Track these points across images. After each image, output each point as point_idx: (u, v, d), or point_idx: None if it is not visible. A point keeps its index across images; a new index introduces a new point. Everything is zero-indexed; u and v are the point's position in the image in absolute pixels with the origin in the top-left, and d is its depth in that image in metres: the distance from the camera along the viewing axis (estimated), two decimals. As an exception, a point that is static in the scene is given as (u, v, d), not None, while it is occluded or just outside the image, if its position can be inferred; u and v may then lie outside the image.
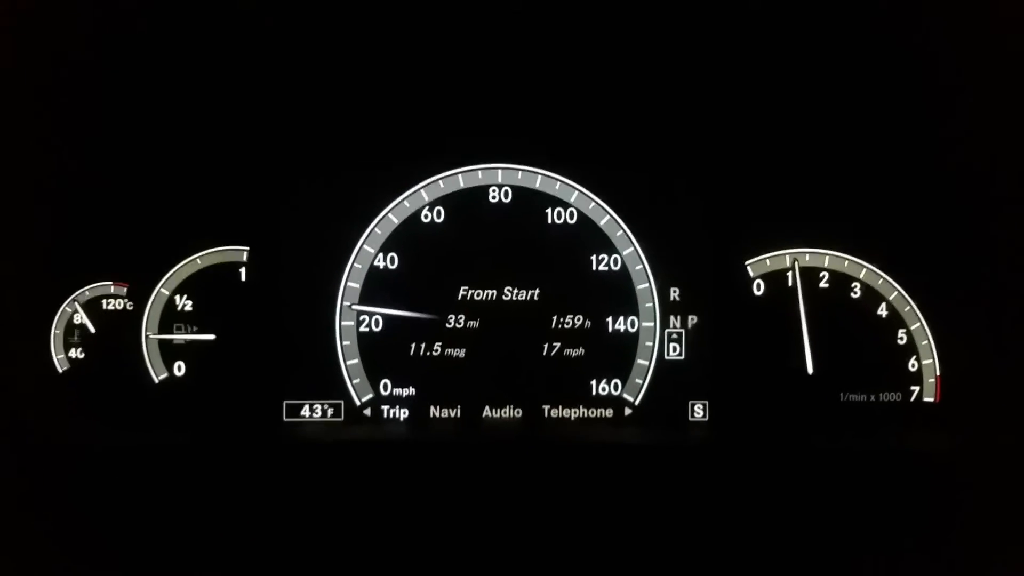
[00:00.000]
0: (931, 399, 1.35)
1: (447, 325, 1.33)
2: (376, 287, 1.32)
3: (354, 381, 1.33)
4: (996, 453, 1.23)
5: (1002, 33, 1.14)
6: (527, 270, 1.33)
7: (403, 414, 1.34)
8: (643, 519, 1.22)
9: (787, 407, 1.34)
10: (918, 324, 1.34)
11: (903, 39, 1.20)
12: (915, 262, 1.34)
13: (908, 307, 1.34)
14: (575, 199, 1.34)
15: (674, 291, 1.34)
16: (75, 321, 1.32)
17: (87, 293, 1.32)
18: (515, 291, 1.33)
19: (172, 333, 1.32)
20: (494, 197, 1.33)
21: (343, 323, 1.32)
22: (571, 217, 1.34)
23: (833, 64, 1.26)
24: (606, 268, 1.34)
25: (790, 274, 1.34)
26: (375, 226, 1.32)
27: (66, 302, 1.32)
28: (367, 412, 1.33)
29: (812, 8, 1.17)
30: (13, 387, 1.24)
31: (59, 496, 1.20)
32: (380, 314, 1.32)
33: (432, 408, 1.34)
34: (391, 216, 1.33)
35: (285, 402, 1.32)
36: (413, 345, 1.33)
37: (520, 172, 1.34)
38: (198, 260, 1.32)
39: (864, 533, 1.22)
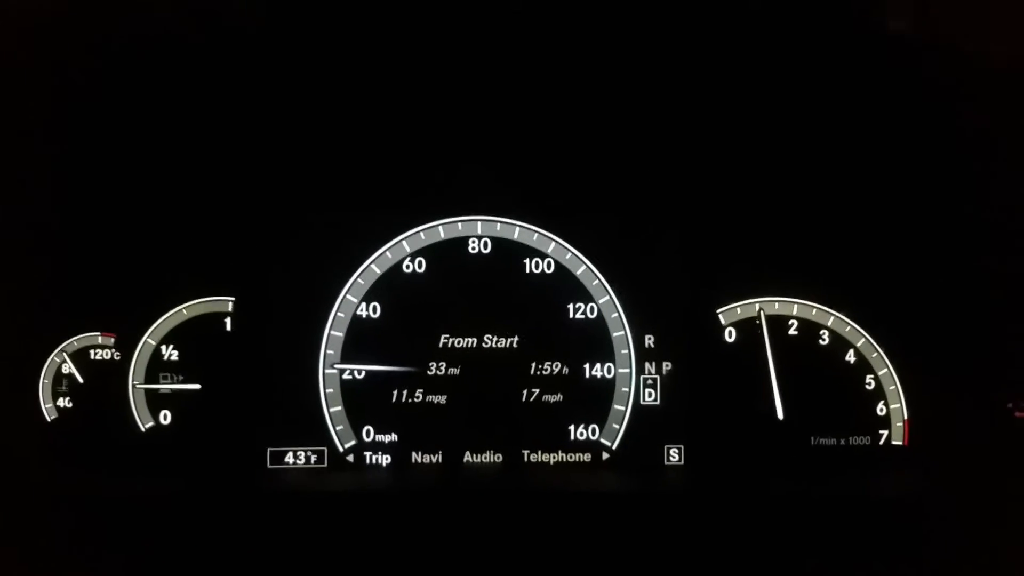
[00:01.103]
0: (899, 443, 1.39)
1: (428, 372, 1.36)
2: (359, 336, 1.35)
3: (337, 428, 1.35)
4: (964, 495, 1.27)
5: (972, 89, 1.19)
6: (506, 318, 1.37)
7: (385, 460, 1.36)
8: (620, 563, 1.24)
9: (759, 451, 1.37)
10: (885, 370, 1.38)
11: (873, 93, 1.25)
12: (881, 310, 1.38)
13: (875, 353, 1.38)
14: (552, 250, 1.38)
15: (649, 338, 1.38)
16: (63, 371, 1.34)
17: (75, 343, 1.34)
18: (495, 339, 1.37)
19: (158, 382, 1.35)
20: (474, 248, 1.37)
21: (326, 371, 1.35)
22: (548, 267, 1.38)
23: (803, 118, 1.30)
24: (583, 316, 1.37)
25: (759, 322, 1.38)
26: (358, 276, 1.36)
27: (55, 352, 1.34)
28: (350, 458, 1.36)
29: (785, 60, 1.22)
30: (2, 436, 1.26)
31: (45, 543, 1.22)
32: (362, 370, 1.35)
33: (414, 454, 1.37)
34: (373, 267, 1.36)
35: (269, 449, 1.35)
36: (395, 392, 1.36)
37: (499, 224, 1.38)
38: (184, 311, 1.35)
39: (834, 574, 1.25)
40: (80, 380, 1.34)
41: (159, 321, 1.35)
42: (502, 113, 1.31)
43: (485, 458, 1.37)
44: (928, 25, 1.11)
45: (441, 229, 1.37)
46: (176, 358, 1.35)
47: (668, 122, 1.32)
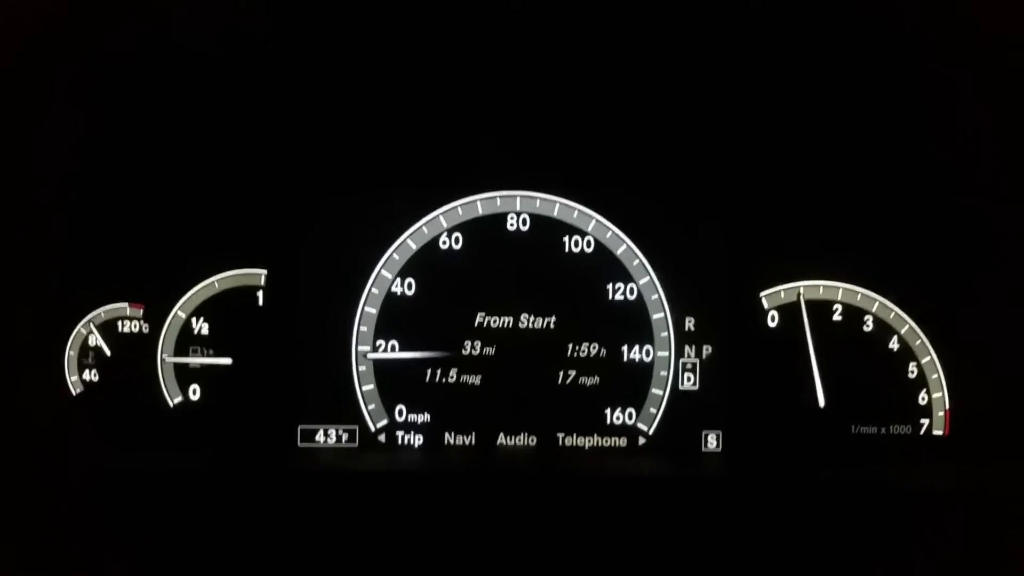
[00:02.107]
0: (940, 432, 1.37)
1: (463, 352, 1.33)
2: (393, 313, 1.32)
3: (369, 407, 1.33)
4: (1004, 487, 1.25)
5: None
6: (543, 298, 1.34)
7: (418, 440, 1.34)
8: (655, 549, 1.22)
9: (799, 439, 1.35)
10: (929, 358, 1.36)
11: (923, 75, 1.22)
12: (928, 297, 1.35)
13: (919, 341, 1.36)
14: (592, 228, 1.34)
15: (689, 321, 1.35)
16: (90, 343, 1.31)
17: (102, 315, 1.31)
18: (531, 319, 1.34)
19: (188, 356, 1.32)
20: (512, 225, 1.34)
21: (360, 348, 1.32)
22: (588, 246, 1.34)
23: (853, 97, 1.27)
24: (622, 297, 1.34)
25: (800, 306, 1.35)
26: (393, 252, 1.33)
27: (81, 323, 1.31)
28: (382, 438, 1.33)
29: (833, 43, 1.19)
30: (27, 409, 1.23)
31: (73, 518, 1.19)
32: (395, 366, 1.32)
33: (447, 435, 1.34)
34: (409, 242, 1.33)
35: (300, 427, 1.32)
36: (429, 372, 1.33)
37: (538, 200, 1.34)
38: (215, 283, 1.32)
39: (873, 566, 1.23)
40: (107, 353, 1.31)
41: (190, 293, 1.32)
42: (544, 88, 1.27)
43: (519, 441, 1.35)
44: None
45: (479, 204, 1.34)
46: (206, 332, 1.32)
47: (712, 101, 1.29)
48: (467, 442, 1.34)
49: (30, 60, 1.08)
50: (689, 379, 1.35)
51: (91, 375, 1.31)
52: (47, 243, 1.26)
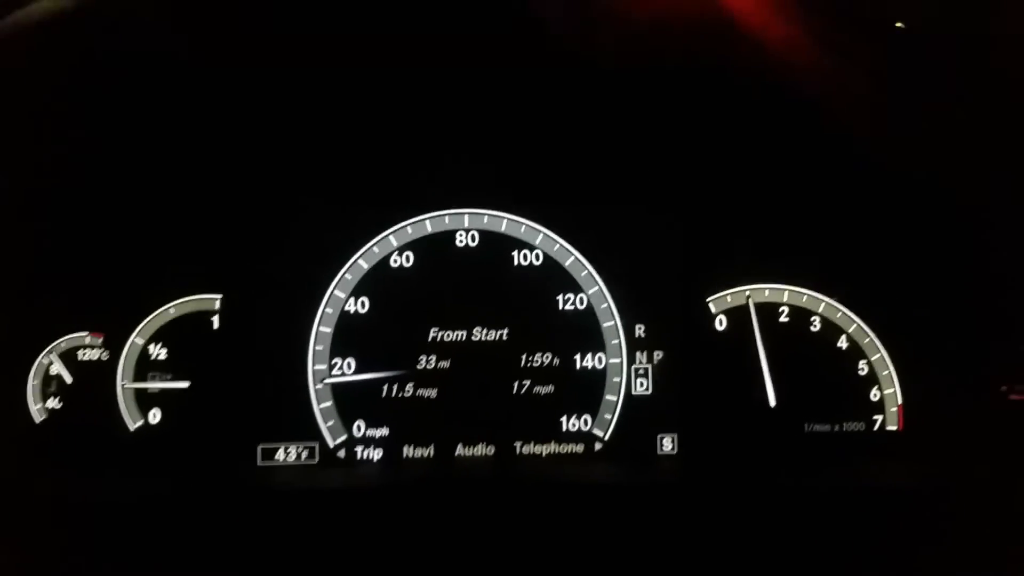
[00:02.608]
0: (894, 427, 1.38)
1: (418, 366, 1.35)
2: (348, 332, 1.35)
3: (328, 423, 1.35)
4: (959, 479, 1.26)
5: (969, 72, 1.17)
6: (495, 311, 1.36)
7: (377, 454, 1.36)
8: (614, 553, 1.23)
9: (752, 439, 1.36)
10: (878, 355, 1.38)
11: (863, 76, 1.23)
12: (873, 295, 1.37)
13: (868, 339, 1.38)
14: (540, 241, 1.37)
15: (639, 328, 1.37)
16: (52, 371, 1.34)
17: (63, 344, 1.34)
18: (484, 331, 1.36)
19: (147, 381, 1.34)
20: (461, 241, 1.37)
21: (316, 366, 1.34)
22: (537, 259, 1.37)
23: (796, 100, 1.28)
24: (572, 307, 1.37)
25: (748, 309, 1.37)
26: (345, 271, 1.35)
27: (43, 353, 1.34)
28: (341, 454, 1.35)
29: (772, 52, 1.21)
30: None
31: (35, 545, 1.21)
32: (352, 383, 1.34)
33: (406, 448, 1.36)
34: (361, 262, 1.36)
35: (260, 446, 1.34)
36: (386, 387, 1.35)
37: (486, 216, 1.37)
38: (171, 309, 1.35)
39: (831, 565, 1.24)
40: (68, 380, 1.34)
41: (146, 320, 1.34)
42: (487, 106, 1.30)
43: (477, 451, 1.37)
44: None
45: (428, 223, 1.37)
46: (164, 357, 1.35)
47: (655, 111, 1.31)
48: (426, 454, 1.36)
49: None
50: (642, 384, 1.37)
51: (54, 403, 1.34)
52: (8, 277, 1.29)
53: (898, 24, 1.09)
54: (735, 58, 1.20)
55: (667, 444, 1.37)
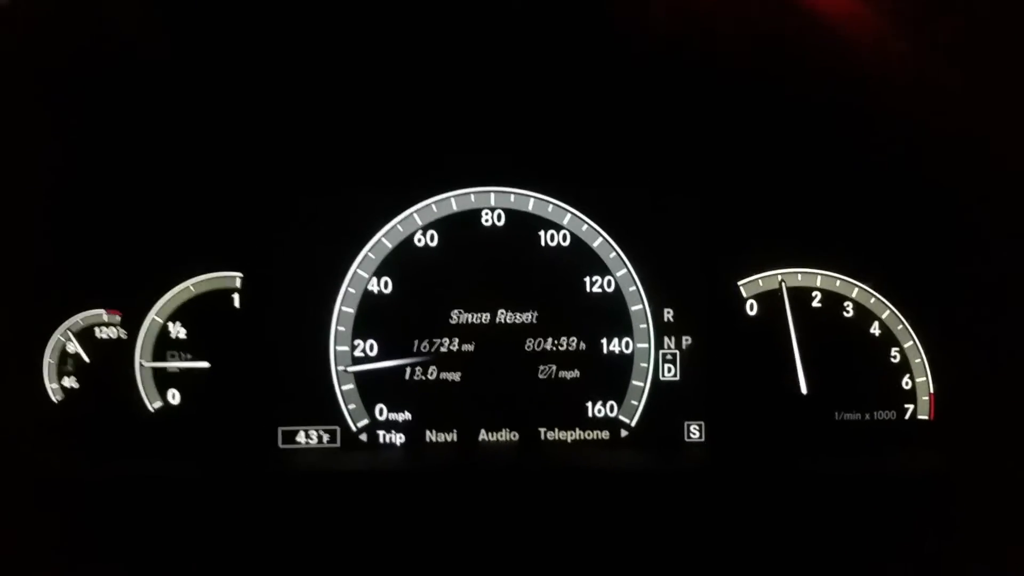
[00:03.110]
0: (925, 417, 1.36)
1: (442, 349, 1.33)
2: (370, 312, 1.32)
3: (350, 407, 1.32)
4: (990, 469, 1.24)
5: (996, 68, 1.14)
6: (521, 293, 1.33)
7: (399, 439, 1.33)
8: (640, 540, 1.22)
9: (782, 427, 1.34)
10: (911, 342, 1.35)
11: (898, 65, 1.20)
12: (907, 281, 1.35)
13: (901, 326, 1.35)
14: (568, 221, 1.34)
15: (668, 312, 1.34)
16: (68, 350, 1.31)
17: (80, 322, 1.31)
18: (509, 314, 1.33)
19: (166, 361, 1.32)
20: (487, 220, 1.34)
21: (338, 348, 1.32)
22: (564, 239, 1.34)
23: (828, 84, 1.26)
24: (600, 290, 1.34)
25: (781, 294, 1.34)
26: (368, 251, 1.32)
27: (59, 331, 1.31)
28: (363, 438, 1.33)
29: (801, 33, 1.18)
30: (7, 417, 1.23)
31: (54, 526, 1.20)
32: (375, 369, 1.32)
33: (428, 432, 1.34)
34: (384, 240, 1.33)
35: (280, 428, 1.32)
36: (408, 370, 1.33)
37: (513, 195, 1.34)
38: (191, 287, 1.32)
39: (860, 552, 1.22)
40: (86, 359, 1.31)
41: (165, 298, 1.31)
42: (515, 83, 1.27)
43: (501, 436, 1.34)
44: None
45: (453, 201, 1.33)
46: (184, 336, 1.32)
47: (685, 91, 1.28)
48: (449, 439, 1.34)
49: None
50: (669, 370, 1.35)
51: (70, 382, 1.31)
52: (24, 253, 1.26)
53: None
54: (769, 42, 1.18)
55: (694, 431, 1.35)
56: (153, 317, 1.31)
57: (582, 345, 1.34)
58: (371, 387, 1.33)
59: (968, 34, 1.11)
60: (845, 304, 1.35)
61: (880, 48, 1.19)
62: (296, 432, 1.32)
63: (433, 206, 1.33)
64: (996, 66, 1.15)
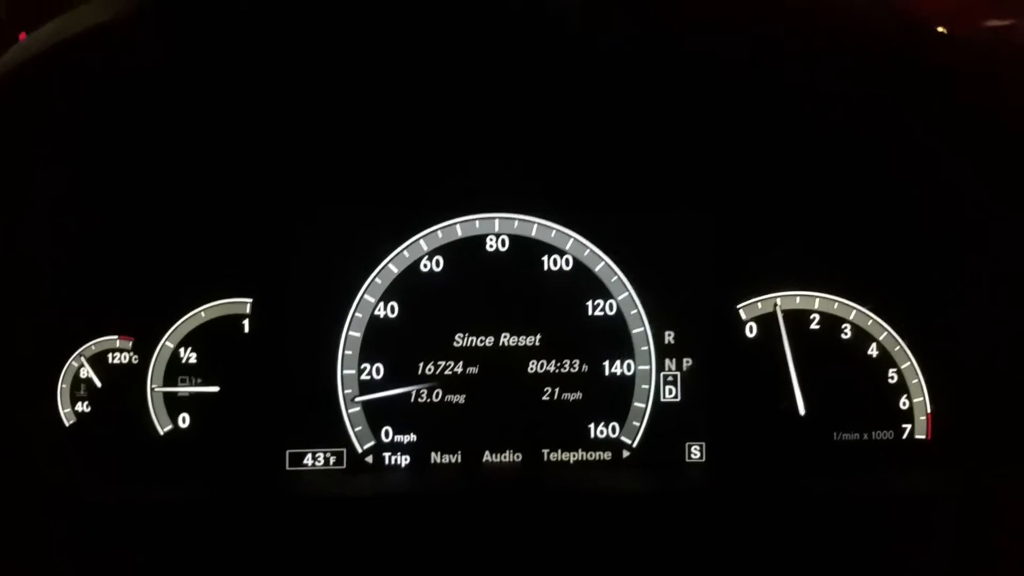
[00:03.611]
0: (923, 436, 1.38)
1: (447, 372, 1.35)
2: (377, 336, 1.35)
3: (356, 429, 1.35)
4: (988, 490, 1.26)
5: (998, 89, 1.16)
6: (524, 317, 1.36)
7: (404, 460, 1.35)
8: (643, 561, 1.24)
9: (781, 447, 1.36)
10: (908, 363, 1.37)
11: (900, 87, 1.23)
12: (905, 303, 1.37)
13: (898, 347, 1.37)
14: (570, 246, 1.37)
15: (669, 335, 1.37)
16: (81, 375, 1.34)
17: (93, 347, 1.34)
18: (513, 337, 1.36)
19: (177, 386, 1.34)
20: (491, 246, 1.36)
21: (345, 371, 1.34)
22: (567, 264, 1.37)
23: (824, 110, 1.28)
24: (602, 313, 1.36)
25: (777, 317, 1.37)
26: (375, 276, 1.35)
27: (72, 356, 1.33)
28: (369, 459, 1.35)
29: (796, 57, 1.20)
30: (21, 441, 1.25)
31: (65, 549, 1.22)
32: (383, 403, 1.34)
33: (433, 454, 1.36)
34: (391, 266, 1.35)
35: (288, 451, 1.34)
36: (414, 393, 1.35)
37: (516, 221, 1.37)
38: (202, 313, 1.35)
39: (859, 572, 1.24)
40: (98, 384, 1.33)
41: (177, 324, 1.34)
42: (517, 109, 1.29)
43: (505, 457, 1.37)
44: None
45: (458, 227, 1.36)
46: (194, 361, 1.34)
47: (686, 116, 1.31)
48: (453, 460, 1.36)
49: (7, 100, 1.10)
50: (671, 391, 1.37)
51: (83, 407, 1.34)
52: (38, 280, 1.29)
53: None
54: (768, 68, 1.21)
55: (695, 452, 1.37)
56: (165, 343, 1.34)
57: (584, 367, 1.36)
58: (377, 410, 1.35)
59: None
60: (843, 326, 1.37)
61: (879, 78, 1.22)
62: (303, 455, 1.35)
63: (439, 232, 1.36)
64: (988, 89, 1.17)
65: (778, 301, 1.37)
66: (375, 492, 1.30)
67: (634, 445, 1.36)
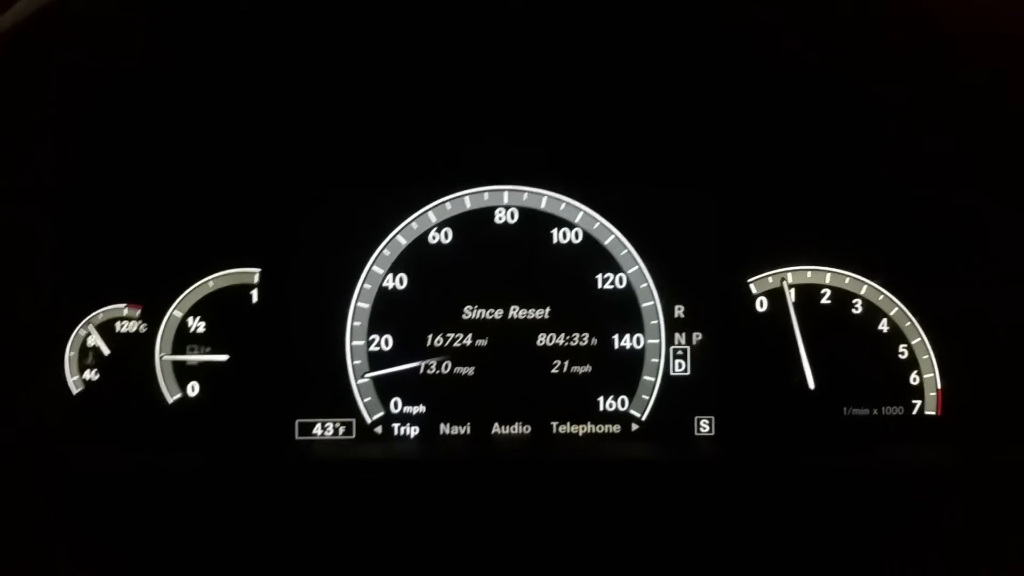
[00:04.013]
0: (933, 412, 1.37)
1: (456, 344, 1.35)
2: (386, 307, 1.34)
3: (365, 400, 1.35)
4: (997, 465, 1.25)
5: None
6: (534, 289, 1.35)
7: (413, 432, 1.35)
8: (650, 533, 1.23)
9: (791, 422, 1.36)
10: (919, 339, 1.36)
11: (909, 63, 1.22)
12: (916, 279, 1.36)
13: (909, 322, 1.36)
14: (580, 219, 1.36)
15: (679, 308, 1.36)
16: (89, 343, 1.33)
17: (100, 315, 1.33)
18: (522, 310, 1.35)
19: (185, 354, 1.34)
20: (500, 218, 1.36)
21: (354, 343, 1.34)
22: (576, 237, 1.36)
23: (835, 83, 1.27)
24: (611, 286, 1.36)
25: (791, 291, 1.36)
26: (384, 247, 1.34)
27: (80, 324, 1.33)
28: (378, 430, 1.35)
29: (811, 28, 1.19)
30: (28, 409, 1.25)
31: (73, 517, 1.22)
32: (393, 374, 1.34)
33: (442, 425, 1.36)
34: (399, 238, 1.35)
35: (297, 421, 1.34)
36: (422, 365, 1.34)
37: (526, 193, 1.36)
38: (210, 282, 1.34)
39: (866, 546, 1.23)
40: (106, 352, 1.33)
41: (185, 293, 1.34)
42: (528, 81, 1.28)
43: (514, 430, 1.36)
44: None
45: (467, 199, 1.36)
46: (203, 330, 1.34)
47: (697, 89, 1.29)
48: (462, 432, 1.36)
49: (23, 65, 1.10)
50: (680, 365, 1.36)
51: (91, 375, 1.33)
52: (46, 247, 1.28)
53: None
54: (777, 41, 1.19)
55: (704, 426, 1.37)
56: (173, 311, 1.34)
57: (594, 341, 1.36)
58: (386, 381, 1.35)
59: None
60: (854, 301, 1.37)
61: (900, 46, 1.21)
62: (312, 424, 1.34)
63: (448, 204, 1.35)
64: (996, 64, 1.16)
65: (786, 276, 1.36)
66: (383, 462, 1.30)
67: (643, 419, 1.36)
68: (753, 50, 1.23)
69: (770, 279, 1.37)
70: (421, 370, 1.35)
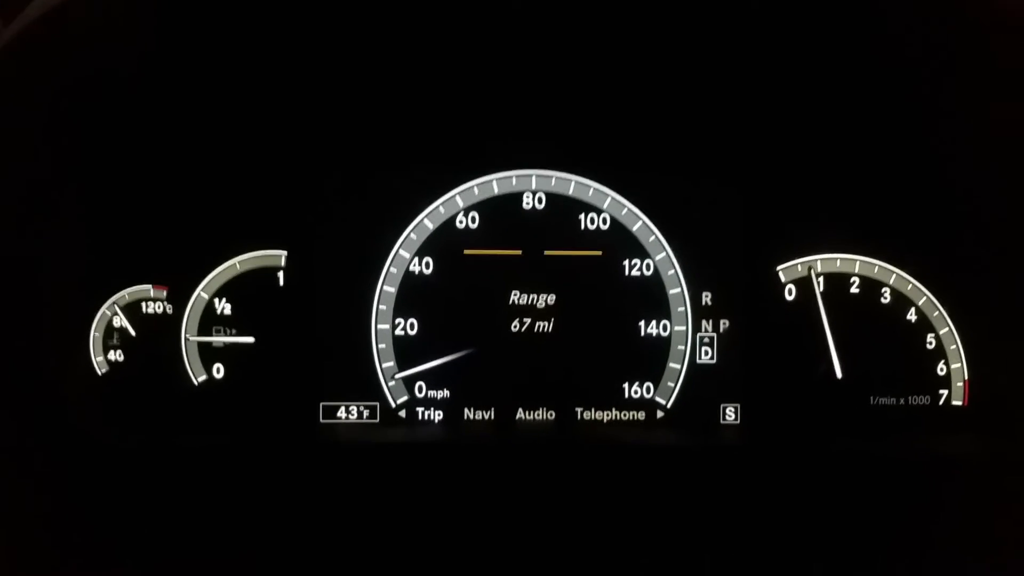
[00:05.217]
0: (959, 403, 1.37)
1: (481, 329, 1.34)
2: (411, 292, 1.34)
3: (390, 383, 1.34)
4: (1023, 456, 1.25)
5: None
6: (560, 275, 1.35)
7: (438, 416, 1.35)
8: (674, 519, 1.24)
9: (817, 411, 1.35)
10: (947, 329, 1.36)
11: (938, 48, 1.21)
12: (945, 268, 1.35)
13: (937, 312, 1.36)
14: (608, 205, 1.35)
15: (706, 295, 1.35)
16: (114, 324, 1.33)
17: (127, 296, 1.33)
18: (548, 295, 1.35)
19: (211, 336, 1.34)
20: (528, 203, 1.35)
21: (379, 326, 1.34)
22: (604, 223, 1.35)
23: (868, 70, 1.26)
24: (638, 273, 1.35)
25: (819, 279, 1.36)
26: (410, 231, 1.34)
27: (105, 305, 1.33)
28: (402, 414, 1.35)
29: (844, 15, 1.18)
30: (53, 389, 1.25)
31: (98, 498, 1.22)
32: (420, 373, 1.34)
33: (466, 410, 1.35)
34: (426, 221, 1.34)
35: (322, 404, 1.34)
36: (447, 348, 1.34)
37: (553, 178, 1.35)
38: (237, 264, 1.34)
39: (892, 535, 1.23)
40: (132, 333, 1.33)
41: (212, 274, 1.33)
42: (558, 65, 1.27)
43: (538, 415, 1.36)
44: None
45: (495, 184, 1.35)
46: (229, 312, 1.34)
47: (728, 75, 1.28)
48: (486, 417, 1.36)
49: (55, 46, 1.09)
50: (707, 353, 1.36)
51: (116, 355, 1.33)
52: (72, 228, 1.28)
53: None
54: (803, 23, 1.18)
55: (730, 414, 1.36)
56: (199, 293, 1.33)
57: (620, 327, 1.35)
58: (411, 365, 1.34)
59: None
60: (882, 290, 1.36)
61: (928, 34, 1.20)
62: (337, 408, 1.34)
63: (475, 188, 1.35)
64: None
65: (815, 264, 1.35)
66: (408, 446, 1.30)
67: (668, 406, 1.36)
68: (782, 38, 1.22)
69: (798, 267, 1.36)
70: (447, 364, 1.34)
